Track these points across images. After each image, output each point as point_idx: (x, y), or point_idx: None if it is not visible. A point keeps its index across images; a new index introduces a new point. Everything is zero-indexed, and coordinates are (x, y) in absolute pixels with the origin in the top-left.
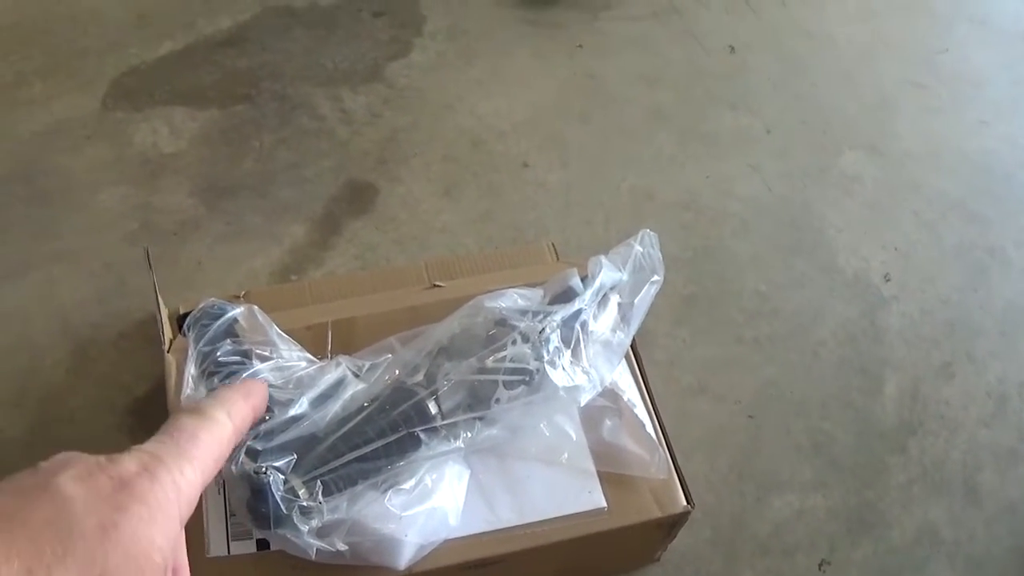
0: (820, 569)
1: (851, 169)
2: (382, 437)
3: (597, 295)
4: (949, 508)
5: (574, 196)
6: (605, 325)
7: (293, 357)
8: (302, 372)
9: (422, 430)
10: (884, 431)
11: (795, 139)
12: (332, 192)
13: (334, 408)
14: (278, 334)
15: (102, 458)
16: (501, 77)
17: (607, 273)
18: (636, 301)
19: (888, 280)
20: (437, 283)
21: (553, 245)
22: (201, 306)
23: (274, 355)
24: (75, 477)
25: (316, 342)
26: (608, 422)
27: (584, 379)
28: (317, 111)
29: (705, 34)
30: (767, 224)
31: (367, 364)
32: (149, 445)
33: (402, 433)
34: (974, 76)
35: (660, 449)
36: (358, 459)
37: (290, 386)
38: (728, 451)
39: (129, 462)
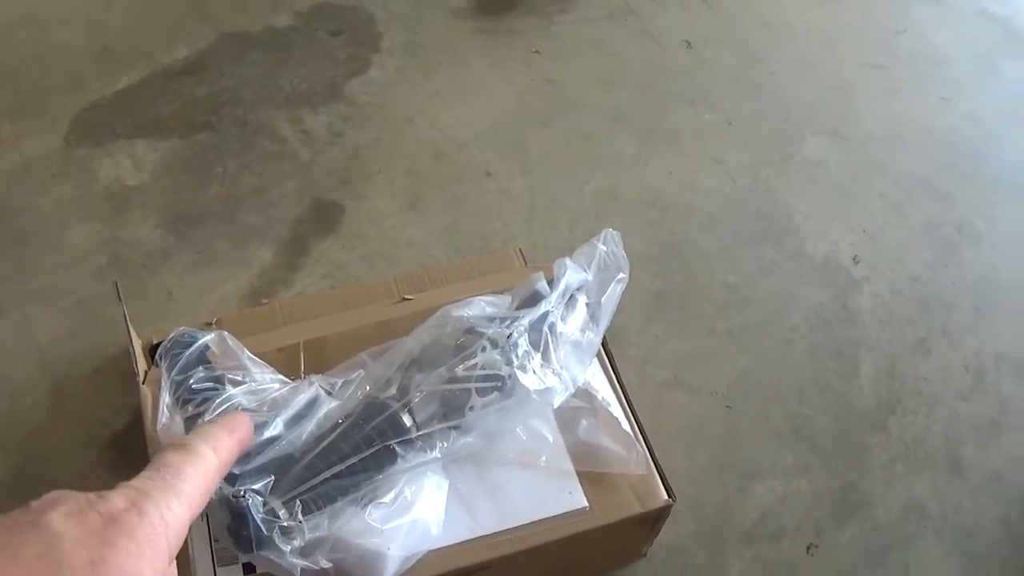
0: (808, 553)
1: (814, 155)
2: (357, 452)
3: (563, 297)
4: (933, 483)
5: (538, 201)
6: (574, 326)
7: (266, 380)
8: (276, 394)
9: (397, 443)
10: (863, 412)
11: (757, 129)
12: (298, 213)
13: (309, 427)
14: (250, 358)
15: (92, 495)
16: (460, 88)
17: (572, 274)
18: (603, 300)
19: (857, 262)
20: (407, 296)
21: (520, 251)
22: (172, 335)
23: (247, 379)
24: (65, 514)
25: (289, 363)
26: (584, 422)
27: (556, 381)
28: (278, 134)
29: (661, 32)
30: (733, 216)
31: (340, 381)
32: (136, 481)
33: (377, 447)
34: (933, 55)
35: (637, 445)
36: (335, 476)
37: (264, 408)
38: (707, 442)
39: (117, 498)
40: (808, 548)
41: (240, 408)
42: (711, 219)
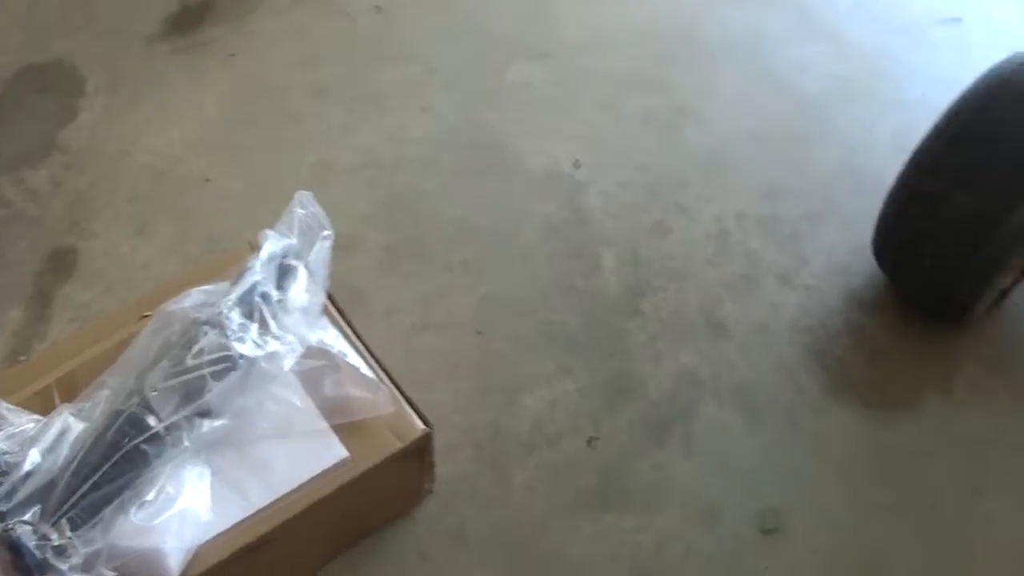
0: (590, 445)
1: (519, 79)
2: (107, 460)
3: (268, 265)
4: (699, 350)
5: (260, 193)
6: (299, 291)
7: (21, 422)
8: (31, 432)
9: (144, 442)
10: (613, 302)
11: (459, 70)
12: (36, 268)
13: (63, 452)
14: (7, 408)
15: None
16: (167, 109)
17: (273, 242)
18: (311, 259)
19: (579, 166)
20: (146, 314)
21: (251, 243)
22: None
23: (2, 426)
24: None
25: (44, 403)
26: (328, 379)
27: (278, 345)
28: (4, 197)
29: (350, 3)
30: (449, 155)
31: (87, 404)
32: None
33: (125, 449)
34: None
35: (382, 386)
36: (93, 488)
37: (22, 448)
38: (466, 370)
39: None
40: (589, 441)
41: None
42: (428, 164)
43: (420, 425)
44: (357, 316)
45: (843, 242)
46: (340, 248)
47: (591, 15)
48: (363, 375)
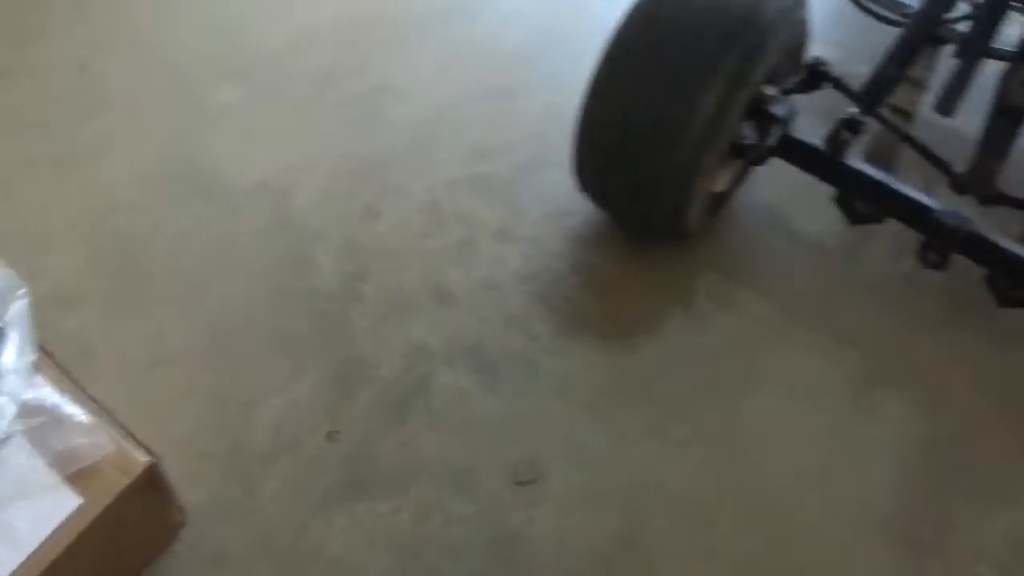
0: (330, 439)
1: (220, 101)
2: None
3: None
4: (426, 321)
5: None
6: (9, 354)
7: None
8: None
9: None
10: (333, 293)
11: (161, 107)
12: None
13: None
14: None
15: None
16: None
17: None
18: (10, 320)
19: (288, 171)
20: None
21: None
22: None
23: None
24: None
25: None
26: (52, 433)
27: None
28: None
29: (54, 69)
30: (159, 192)
31: None
32: None
33: None
34: None
35: (99, 429)
36: None
37: None
38: (198, 398)
39: None
40: (329, 436)
41: None
42: (138, 206)
43: (143, 458)
44: (87, 367)
45: (559, 186)
46: (62, 306)
47: (282, 20)
48: (79, 422)
